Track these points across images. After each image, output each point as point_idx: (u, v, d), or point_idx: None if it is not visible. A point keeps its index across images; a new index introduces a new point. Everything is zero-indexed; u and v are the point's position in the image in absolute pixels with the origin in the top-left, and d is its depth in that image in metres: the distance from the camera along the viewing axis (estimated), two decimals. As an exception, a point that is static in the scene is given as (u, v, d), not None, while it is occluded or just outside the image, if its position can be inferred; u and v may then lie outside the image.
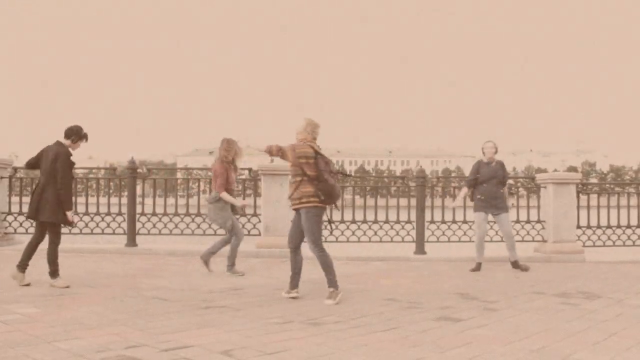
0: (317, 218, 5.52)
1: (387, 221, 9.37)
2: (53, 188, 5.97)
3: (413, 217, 9.29)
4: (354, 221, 9.36)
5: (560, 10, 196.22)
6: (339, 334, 4.23)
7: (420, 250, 9.12)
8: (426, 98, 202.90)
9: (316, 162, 5.46)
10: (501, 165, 8.08)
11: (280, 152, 5.51)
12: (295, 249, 5.70)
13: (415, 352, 3.82)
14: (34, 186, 9.81)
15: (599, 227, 9.57)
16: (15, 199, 9.39)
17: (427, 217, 9.27)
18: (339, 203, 5.87)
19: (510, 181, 9.25)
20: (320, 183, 5.45)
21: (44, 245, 9.05)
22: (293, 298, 5.58)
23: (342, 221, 9.33)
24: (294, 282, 5.65)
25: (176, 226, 9.25)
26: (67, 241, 9.48)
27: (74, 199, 9.34)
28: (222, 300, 5.42)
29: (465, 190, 8.15)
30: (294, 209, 5.65)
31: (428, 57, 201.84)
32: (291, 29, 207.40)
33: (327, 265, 5.53)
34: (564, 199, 9.25)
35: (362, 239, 9.33)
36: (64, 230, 9.12)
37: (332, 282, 5.51)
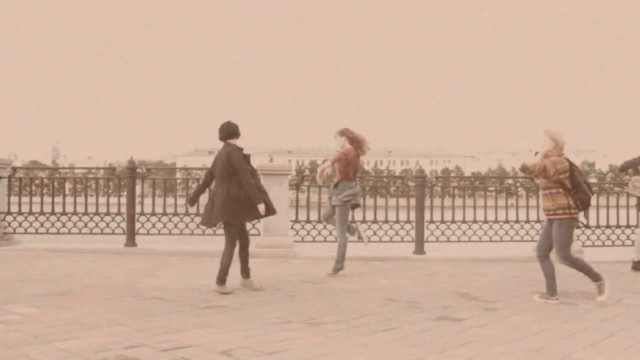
0: (570, 230, 5.68)
1: (386, 221, 9.37)
2: (221, 189, 5.89)
3: (412, 217, 9.28)
4: (353, 221, 9.35)
5: (560, 9, 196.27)
6: (338, 334, 4.23)
7: (419, 250, 9.11)
8: (426, 98, 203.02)
9: (572, 174, 5.61)
10: None
11: (543, 171, 5.56)
12: (544, 257, 5.83)
13: (414, 352, 3.83)
14: (33, 186, 9.81)
15: (598, 227, 9.57)
16: (14, 199, 9.38)
17: (427, 217, 9.26)
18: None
19: (510, 181, 9.24)
20: (577, 193, 5.61)
21: (43, 244, 9.04)
22: (554, 302, 5.63)
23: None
24: (552, 287, 5.72)
25: (175, 226, 9.24)
26: (66, 241, 9.51)
27: (74, 199, 9.39)
28: (222, 300, 5.42)
29: None
30: (549, 219, 5.76)
31: (428, 57, 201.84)
32: (290, 28, 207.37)
33: (585, 269, 5.71)
34: (563, 199, 9.23)
35: (362, 239, 9.31)
36: (63, 229, 9.21)
37: (595, 277, 5.67)
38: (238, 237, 6.04)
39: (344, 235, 7.24)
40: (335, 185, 7.21)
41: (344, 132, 7.37)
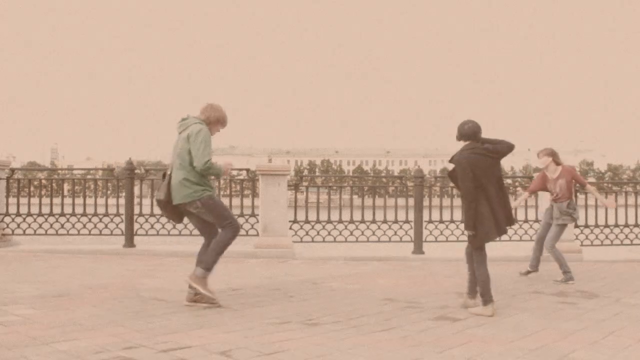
0: None
1: (385, 221, 9.37)
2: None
3: (411, 217, 9.29)
4: (352, 221, 9.36)
5: (559, 8, 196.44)
6: (337, 334, 4.23)
7: (418, 250, 9.12)
8: (424, 98, 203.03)
9: None
10: None
11: None
12: None
13: (413, 351, 3.83)
14: (31, 187, 9.79)
15: (596, 226, 9.58)
16: (13, 200, 9.37)
17: (425, 216, 9.26)
18: None
19: (508, 180, 9.25)
20: None
21: (41, 245, 9.01)
22: None
23: (340, 221, 9.33)
24: None
25: (174, 227, 9.23)
26: (65, 242, 9.50)
27: (72, 200, 9.39)
28: (221, 301, 5.41)
29: None
30: None
31: (426, 57, 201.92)
32: (288, 29, 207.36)
33: None
34: (561, 199, 9.23)
35: (360, 239, 9.33)
36: (61, 230, 9.20)
37: None
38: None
39: (557, 250, 7.18)
40: (568, 205, 7.11)
41: (552, 154, 7.18)
